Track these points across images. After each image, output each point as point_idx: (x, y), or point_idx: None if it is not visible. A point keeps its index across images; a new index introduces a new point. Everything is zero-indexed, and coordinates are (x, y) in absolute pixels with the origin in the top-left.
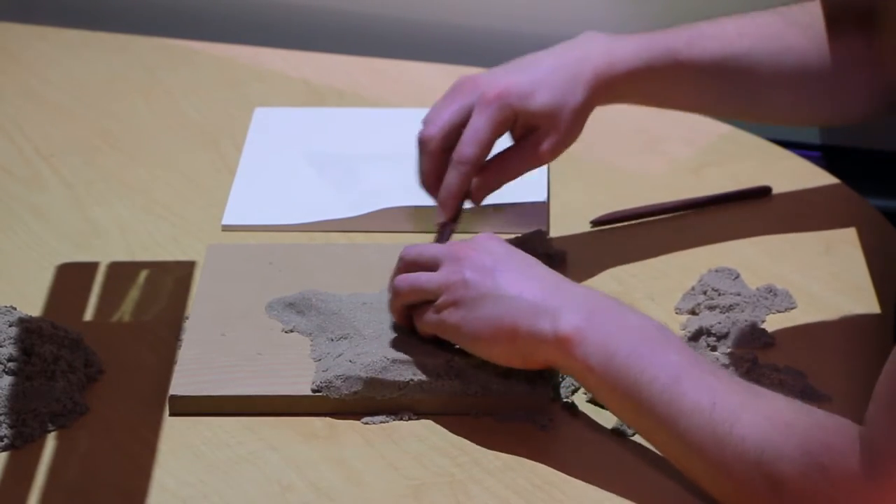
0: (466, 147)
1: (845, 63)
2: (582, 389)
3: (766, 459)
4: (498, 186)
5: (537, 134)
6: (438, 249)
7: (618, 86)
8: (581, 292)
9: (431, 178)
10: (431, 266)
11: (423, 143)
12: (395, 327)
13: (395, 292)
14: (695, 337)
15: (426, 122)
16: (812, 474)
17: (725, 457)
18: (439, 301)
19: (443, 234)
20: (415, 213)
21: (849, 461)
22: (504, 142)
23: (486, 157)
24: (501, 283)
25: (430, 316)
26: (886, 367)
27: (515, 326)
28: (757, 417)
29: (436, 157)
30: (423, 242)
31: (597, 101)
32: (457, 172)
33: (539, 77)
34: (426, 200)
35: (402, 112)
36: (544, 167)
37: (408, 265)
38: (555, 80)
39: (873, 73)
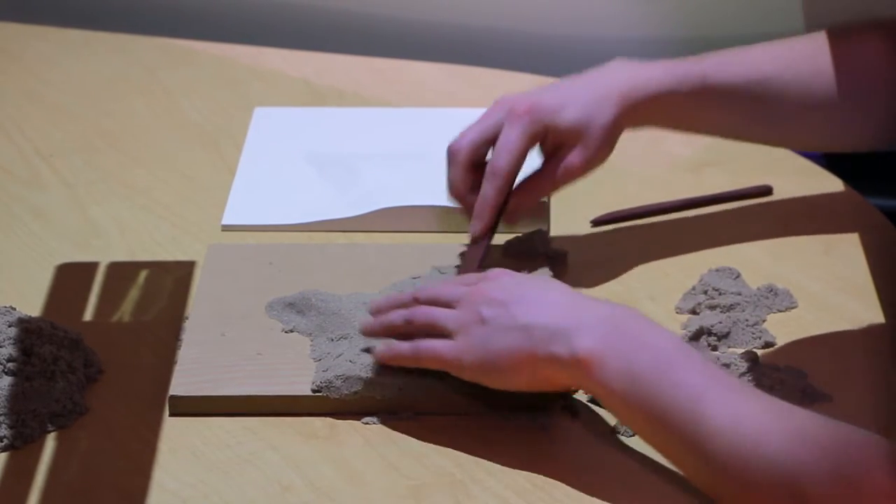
0: (499, 158)
1: (876, 86)
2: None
3: (793, 479)
4: (533, 205)
5: (567, 149)
6: (455, 290)
7: (645, 108)
8: (597, 310)
9: (459, 188)
10: (447, 305)
11: (451, 153)
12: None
13: (409, 320)
14: (695, 336)
15: (458, 136)
16: (843, 492)
17: (754, 477)
18: (458, 339)
19: (477, 248)
20: (415, 213)
21: (880, 477)
22: (533, 162)
23: (518, 168)
24: (517, 314)
25: (448, 349)
26: None
27: (533, 353)
28: (782, 436)
29: (464, 168)
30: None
31: (625, 121)
32: (491, 184)
33: (568, 95)
34: (426, 200)
35: (402, 112)
36: None
37: (425, 303)
38: (583, 98)
39: None
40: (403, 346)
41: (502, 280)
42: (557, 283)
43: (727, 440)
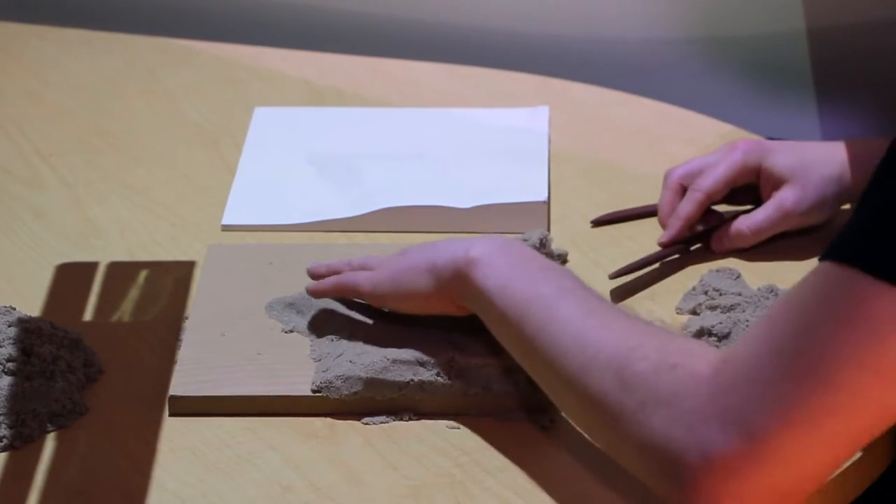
0: (703, 178)
1: None
2: None
3: (620, 356)
4: (744, 240)
5: (783, 189)
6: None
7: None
8: (501, 238)
9: (664, 209)
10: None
11: (665, 176)
12: (396, 328)
13: (317, 272)
14: (696, 337)
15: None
16: (660, 369)
17: (585, 358)
18: (376, 270)
19: (658, 258)
20: (415, 213)
21: (699, 363)
22: None
23: (720, 192)
24: (431, 244)
25: (361, 278)
26: (786, 294)
27: (434, 259)
28: (625, 323)
29: (673, 191)
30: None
31: (855, 185)
32: (687, 198)
33: (790, 143)
34: (426, 200)
35: (402, 112)
36: (544, 167)
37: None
38: (805, 147)
39: None
40: (328, 280)
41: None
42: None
43: (574, 325)
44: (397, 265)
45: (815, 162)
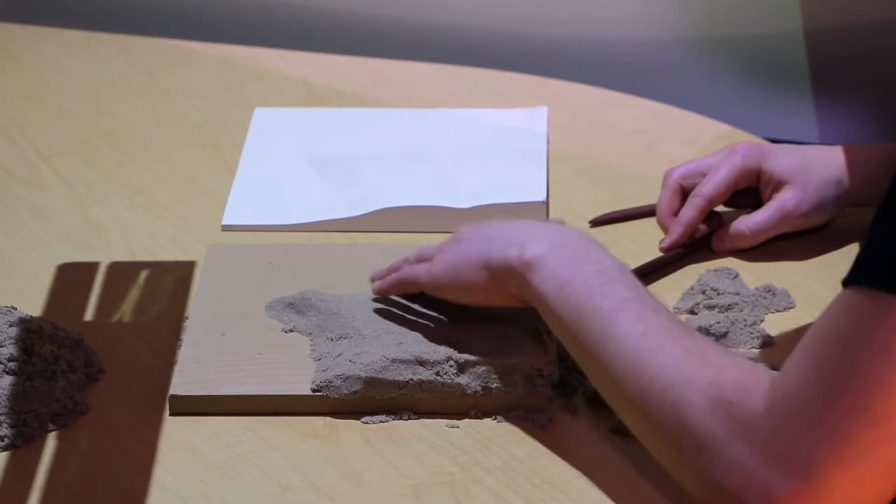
0: (703, 183)
1: None
2: (582, 389)
3: (676, 388)
4: (744, 240)
5: (783, 190)
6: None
7: (866, 186)
8: (555, 228)
9: (663, 209)
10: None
11: (664, 177)
12: (395, 328)
13: (404, 261)
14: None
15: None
16: (716, 408)
17: (642, 386)
18: (434, 260)
19: (658, 265)
20: (415, 213)
21: (753, 399)
22: None
23: (721, 196)
24: (485, 231)
25: (420, 270)
26: (819, 322)
27: (489, 257)
28: (679, 350)
29: (672, 191)
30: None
31: (854, 189)
32: (689, 204)
33: (791, 146)
34: (426, 200)
35: (402, 112)
36: (543, 167)
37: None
38: (805, 150)
39: None
40: (389, 278)
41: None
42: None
43: (630, 345)
44: (454, 256)
45: (814, 164)
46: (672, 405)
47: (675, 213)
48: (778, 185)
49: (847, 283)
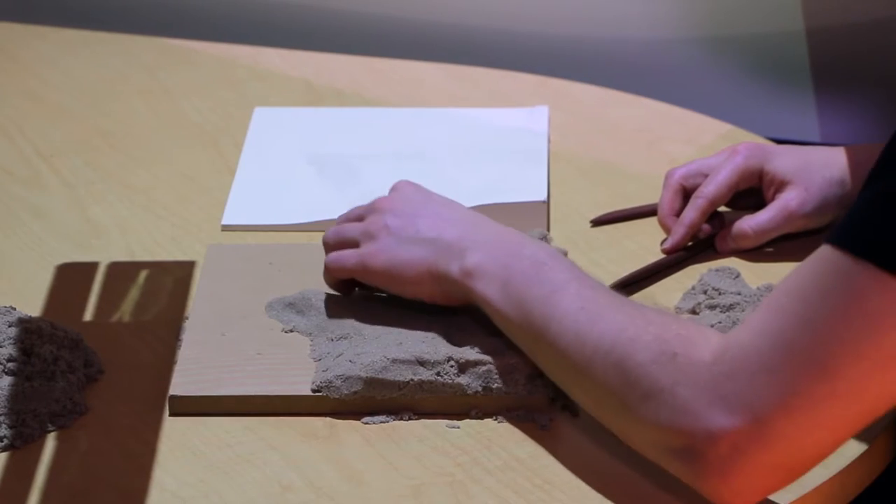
0: (706, 184)
1: None
2: None
3: (619, 348)
4: (747, 240)
5: (786, 190)
6: (362, 207)
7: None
8: (489, 230)
9: (664, 209)
10: (358, 220)
11: (666, 177)
12: (395, 327)
13: (324, 244)
14: None
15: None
16: (660, 359)
17: (586, 354)
18: (362, 247)
19: (660, 267)
20: None
21: (699, 350)
22: None
23: (723, 197)
24: (421, 227)
25: (352, 256)
26: (788, 278)
27: (434, 268)
28: (619, 315)
29: (673, 191)
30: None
31: (848, 178)
32: (691, 205)
33: (793, 147)
34: None
35: (402, 112)
36: (544, 167)
37: (338, 226)
38: (807, 150)
39: None
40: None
41: (406, 191)
42: (455, 203)
43: (570, 321)
44: (393, 255)
45: (817, 164)
46: (616, 365)
47: (677, 214)
48: (780, 185)
49: (825, 242)
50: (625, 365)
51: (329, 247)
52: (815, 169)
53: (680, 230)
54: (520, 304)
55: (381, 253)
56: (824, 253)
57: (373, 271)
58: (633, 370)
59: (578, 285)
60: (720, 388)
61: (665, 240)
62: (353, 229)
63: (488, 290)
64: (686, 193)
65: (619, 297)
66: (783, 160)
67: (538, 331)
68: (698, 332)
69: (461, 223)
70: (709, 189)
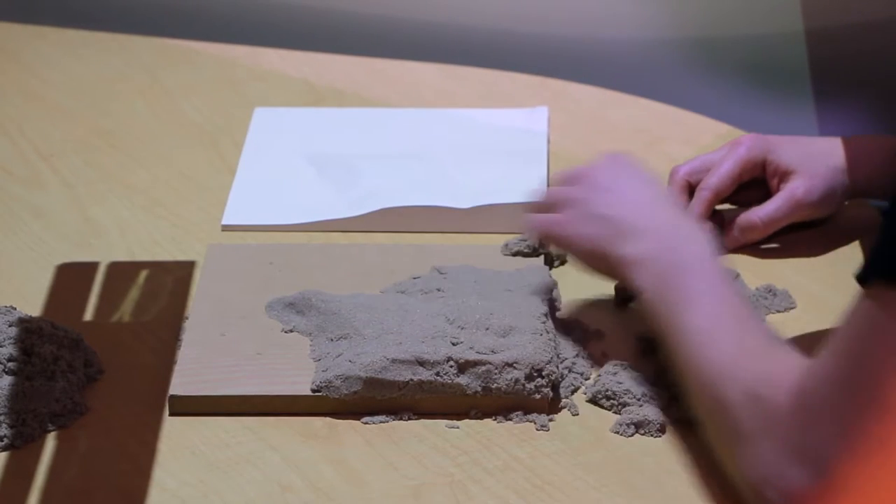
0: (709, 176)
1: None
2: (582, 389)
3: (719, 382)
4: (753, 233)
5: (792, 179)
6: (575, 171)
7: (871, 177)
8: (661, 217)
9: None
10: (569, 183)
11: (671, 174)
12: (395, 327)
13: (535, 205)
14: None
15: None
16: (748, 402)
17: (693, 377)
18: (560, 213)
19: None
20: (414, 214)
21: (780, 394)
22: None
23: (727, 188)
24: (600, 204)
25: (543, 222)
26: (841, 319)
27: (605, 248)
28: (729, 343)
29: (679, 188)
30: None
31: (858, 179)
32: (696, 197)
33: (794, 137)
34: (425, 201)
35: (402, 112)
36: (543, 167)
37: (550, 188)
38: (812, 142)
39: None
40: (534, 226)
41: (604, 163)
42: (642, 180)
43: (689, 339)
44: (580, 231)
45: (819, 154)
46: (713, 399)
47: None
48: (785, 174)
49: (861, 279)
50: (720, 401)
51: (538, 207)
52: (819, 158)
53: None
54: (659, 304)
55: (565, 224)
56: (867, 289)
57: (555, 240)
58: (726, 409)
59: (710, 299)
60: (795, 440)
61: None
62: (554, 194)
63: (642, 282)
64: (691, 189)
65: (740, 317)
66: (786, 150)
67: (665, 335)
68: (782, 364)
69: (637, 206)
70: (712, 180)
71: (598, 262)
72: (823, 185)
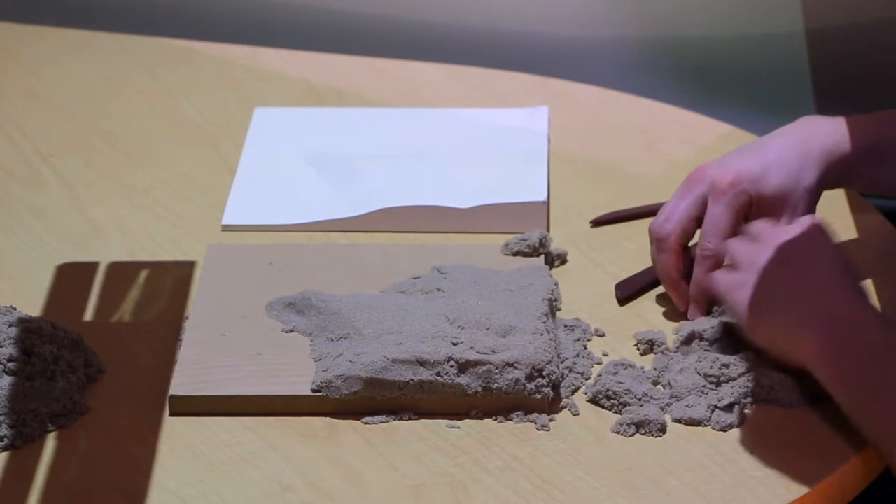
0: (708, 239)
1: None
2: (582, 389)
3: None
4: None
5: (773, 218)
6: (761, 226)
7: (846, 165)
8: (834, 305)
9: (673, 275)
10: (755, 240)
11: (661, 240)
12: (396, 327)
13: (704, 251)
14: (686, 342)
15: (662, 218)
16: None
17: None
18: (736, 274)
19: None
20: (414, 214)
21: None
22: None
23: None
24: (784, 279)
25: (721, 280)
26: None
27: (775, 332)
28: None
29: (675, 254)
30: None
31: (826, 180)
32: (703, 267)
33: (768, 159)
34: (425, 200)
35: (402, 112)
36: (544, 167)
37: (730, 242)
38: (784, 162)
39: None
40: (696, 292)
41: (793, 232)
42: (837, 261)
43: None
44: (760, 309)
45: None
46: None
47: (684, 273)
48: (768, 210)
49: None
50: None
51: (712, 257)
52: (802, 184)
53: (702, 299)
54: (856, 398)
55: (742, 288)
56: None
57: (729, 302)
58: None
59: (881, 384)
60: None
61: (690, 310)
62: (734, 249)
63: (825, 379)
64: (686, 246)
65: None
66: (768, 184)
67: (862, 427)
68: None
69: (808, 296)
70: (713, 245)
71: (769, 341)
72: (802, 214)
